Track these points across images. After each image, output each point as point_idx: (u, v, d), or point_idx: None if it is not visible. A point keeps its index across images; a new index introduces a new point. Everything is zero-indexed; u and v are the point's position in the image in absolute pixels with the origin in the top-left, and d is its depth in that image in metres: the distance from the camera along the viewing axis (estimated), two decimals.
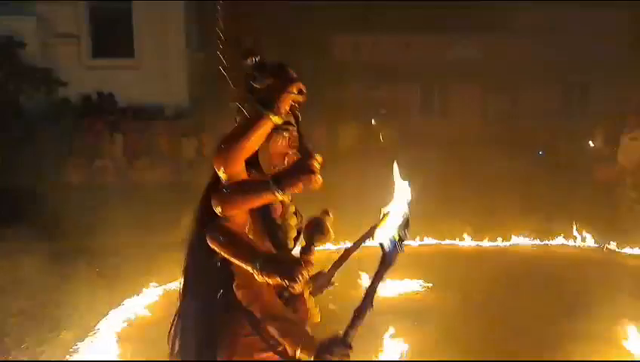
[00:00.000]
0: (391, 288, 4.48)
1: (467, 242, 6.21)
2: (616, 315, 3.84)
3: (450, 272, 5.04)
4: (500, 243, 6.16)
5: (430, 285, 4.77)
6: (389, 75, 11.09)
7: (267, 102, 1.48)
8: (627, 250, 5.87)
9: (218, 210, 1.51)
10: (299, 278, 1.46)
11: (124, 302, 4.42)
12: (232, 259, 1.53)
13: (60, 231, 5.56)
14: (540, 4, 11.34)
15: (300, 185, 1.49)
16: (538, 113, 11.02)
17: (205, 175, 1.67)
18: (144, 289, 4.64)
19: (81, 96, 11.67)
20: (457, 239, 6.24)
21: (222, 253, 1.54)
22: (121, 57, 12.33)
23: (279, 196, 1.50)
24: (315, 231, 1.67)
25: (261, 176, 1.60)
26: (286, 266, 1.48)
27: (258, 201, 1.53)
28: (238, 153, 1.50)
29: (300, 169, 1.50)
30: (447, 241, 6.21)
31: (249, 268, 1.49)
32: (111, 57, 12.28)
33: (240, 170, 1.52)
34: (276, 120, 1.50)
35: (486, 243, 6.14)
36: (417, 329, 3.76)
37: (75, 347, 3.67)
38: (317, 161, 1.50)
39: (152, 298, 4.58)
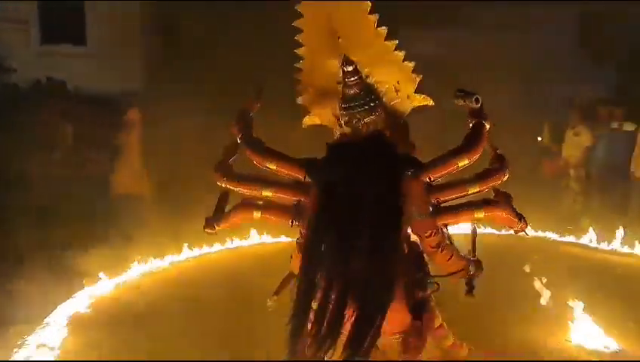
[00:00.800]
0: None
1: None
2: (558, 300, 4.07)
3: None
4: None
5: None
6: None
7: (485, 118, 2.13)
8: (570, 239, 6.20)
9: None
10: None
11: (74, 295, 4.37)
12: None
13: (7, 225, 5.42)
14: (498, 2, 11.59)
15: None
16: (492, 108, 11.29)
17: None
18: (96, 282, 4.60)
19: (30, 82, 11.25)
20: None
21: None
22: (73, 44, 11.96)
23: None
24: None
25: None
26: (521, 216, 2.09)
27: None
28: (473, 159, 2.08)
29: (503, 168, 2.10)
30: None
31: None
32: (61, 44, 11.89)
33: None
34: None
35: None
36: None
37: (22, 341, 3.61)
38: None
39: (103, 291, 4.55)
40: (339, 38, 1.94)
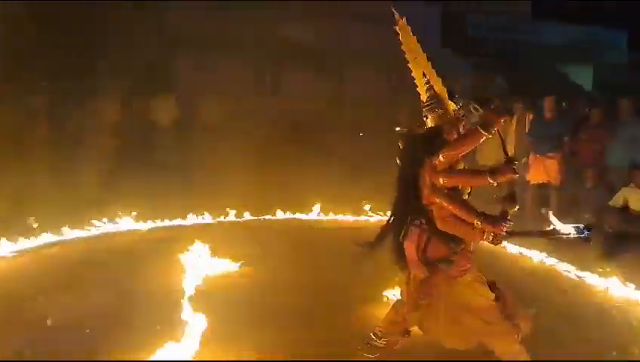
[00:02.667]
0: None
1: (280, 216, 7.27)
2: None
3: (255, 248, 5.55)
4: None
5: (240, 262, 5.06)
6: (219, 49, 10.35)
7: (486, 127, 2.56)
8: None
9: (441, 181, 2.72)
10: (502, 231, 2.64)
11: None
12: (458, 210, 2.70)
13: None
14: None
15: (505, 180, 2.65)
16: (367, 99, 11.25)
17: None
18: None
19: None
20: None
21: (450, 206, 2.71)
22: None
23: (492, 182, 2.62)
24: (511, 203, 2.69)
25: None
26: (496, 222, 2.63)
27: (475, 183, 2.80)
28: (457, 152, 2.70)
29: (509, 169, 2.62)
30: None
31: (472, 220, 2.66)
32: None
33: (452, 160, 2.72)
34: (487, 136, 2.57)
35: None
36: (224, 304, 4.03)
37: None
38: (516, 165, 2.66)
39: None
40: (414, 58, 2.97)
